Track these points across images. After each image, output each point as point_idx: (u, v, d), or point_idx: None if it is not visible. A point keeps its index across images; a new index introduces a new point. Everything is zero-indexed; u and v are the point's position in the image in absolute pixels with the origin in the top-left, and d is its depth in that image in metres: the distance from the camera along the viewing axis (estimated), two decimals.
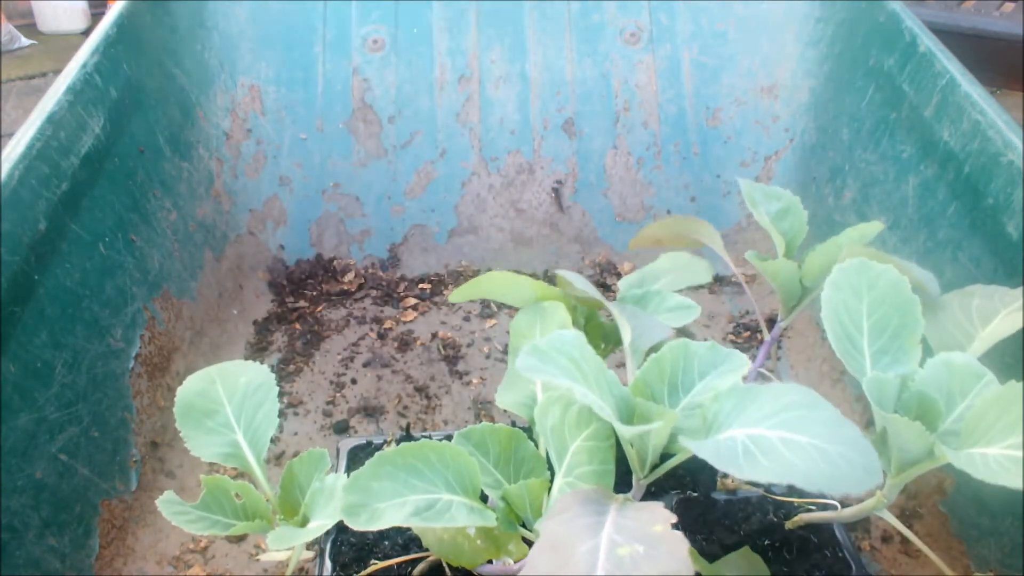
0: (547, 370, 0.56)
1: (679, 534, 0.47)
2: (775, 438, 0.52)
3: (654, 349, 0.63)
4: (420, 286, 1.37)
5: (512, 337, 0.76)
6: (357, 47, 1.43)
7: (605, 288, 1.36)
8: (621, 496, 0.55)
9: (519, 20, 1.44)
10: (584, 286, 0.76)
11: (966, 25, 2.70)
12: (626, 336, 0.69)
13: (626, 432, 0.55)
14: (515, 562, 0.62)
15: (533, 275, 0.79)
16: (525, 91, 1.42)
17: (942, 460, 0.58)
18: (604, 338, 0.82)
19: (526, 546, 0.61)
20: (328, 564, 0.76)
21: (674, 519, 0.49)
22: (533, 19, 1.44)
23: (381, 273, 1.39)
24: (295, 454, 0.80)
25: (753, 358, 0.87)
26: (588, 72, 1.42)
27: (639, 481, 0.62)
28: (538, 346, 0.57)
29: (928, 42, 1.10)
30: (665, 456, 0.60)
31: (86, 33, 3.11)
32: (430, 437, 0.73)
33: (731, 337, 1.25)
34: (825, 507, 0.80)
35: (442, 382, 1.17)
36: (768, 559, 0.68)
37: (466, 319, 1.30)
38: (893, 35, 1.16)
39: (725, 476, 0.84)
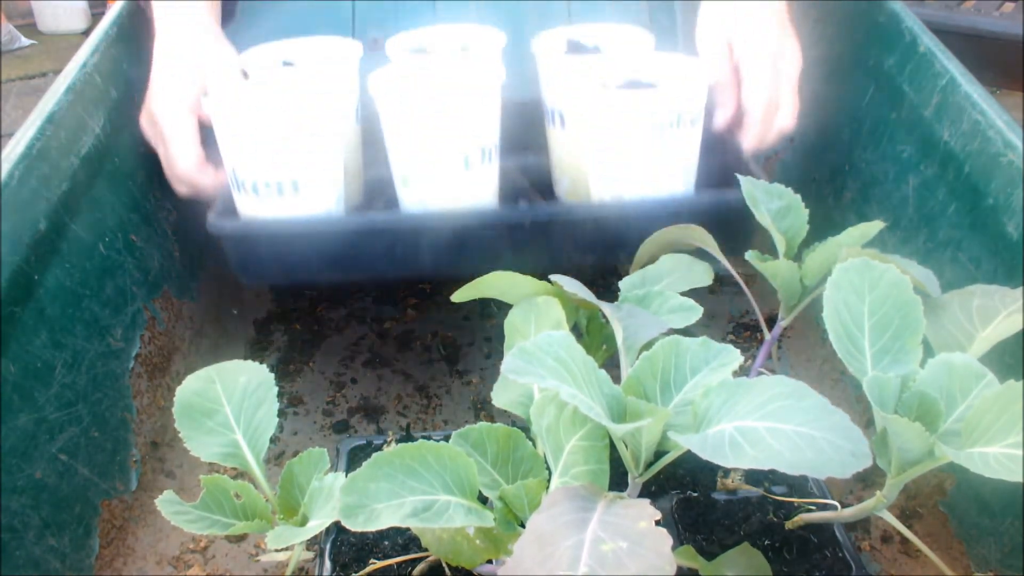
0: (534, 371, 0.56)
1: (663, 531, 0.47)
2: (762, 428, 0.52)
3: (647, 347, 0.63)
4: (420, 286, 1.37)
5: (507, 334, 0.76)
6: None
7: (605, 288, 1.36)
8: (611, 493, 0.55)
9: (519, 20, 1.44)
10: (576, 288, 0.76)
11: (966, 25, 2.70)
12: (618, 335, 0.69)
13: (617, 431, 0.56)
14: None
15: (533, 274, 0.79)
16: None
17: (942, 460, 0.58)
18: (605, 339, 0.82)
19: None
20: (328, 564, 0.76)
21: (659, 516, 0.49)
22: (533, 19, 1.44)
23: None
24: (295, 454, 0.80)
25: (753, 358, 0.87)
26: None
27: (635, 479, 0.62)
28: (524, 347, 0.57)
29: (928, 42, 1.09)
30: (660, 454, 0.60)
31: (86, 33, 3.11)
32: (430, 437, 0.73)
33: (731, 337, 1.25)
34: (825, 507, 0.80)
35: (442, 382, 1.17)
36: (768, 559, 0.68)
37: (466, 319, 1.30)
38: (893, 35, 1.16)
39: (725, 476, 0.84)
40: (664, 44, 1.43)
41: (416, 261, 0.99)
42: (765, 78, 1.02)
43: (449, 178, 0.95)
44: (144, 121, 1.08)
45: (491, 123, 0.97)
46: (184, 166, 1.03)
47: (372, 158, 1.15)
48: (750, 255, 0.84)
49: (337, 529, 0.78)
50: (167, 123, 1.03)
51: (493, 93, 0.95)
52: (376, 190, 1.17)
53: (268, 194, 0.94)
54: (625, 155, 0.96)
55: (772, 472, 0.56)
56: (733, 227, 0.85)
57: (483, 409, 1.11)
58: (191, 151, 1.02)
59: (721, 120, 1.04)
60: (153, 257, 1.09)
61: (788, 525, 0.77)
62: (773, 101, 1.03)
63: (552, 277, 0.77)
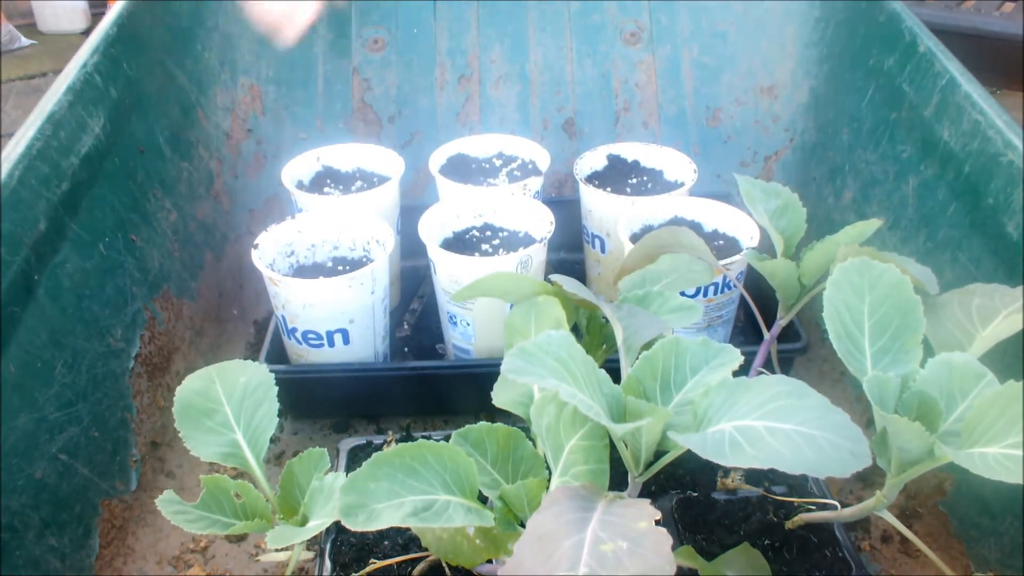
0: (534, 371, 0.56)
1: (663, 531, 0.47)
2: (761, 428, 0.52)
3: (647, 347, 0.63)
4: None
5: (507, 334, 0.76)
6: (357, 47, 1.43)
7: None
8: (611, 493, 0.55)
9: (519, 20, 1.44)
10: (576, 288, 0.76)
11: (966, 25, 2.70)
12: (619, 335, 0.69)
13: (617, 430, 0.55)
14: None
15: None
16: (525, 91, 1.42)
17: (942, 460, 0.58)
18: (605, 339, 0.82)
19: None
20: (328, 564, 0.76)
21: (659, 515, 0.49)
22: (533, 19, 1.44)
23: None
24: (295, 454, 0.80)
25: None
26: (588, 72, 1.42)
27: (635, 479, 0.62)
28: (524, 347, 0.57)
29: (928, 42, 1.09)
30: (660, 453, 0.60)
31: (86, 33, 3.11)
32: (430, 437, 0.73)
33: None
34: (825, 507, 0.80)
35: None
36: (768, 559, 0.68)
37: None
38: (893, 35, 1.16)
39: (725, 476, 0.84)
40: (665, 44, 1.43)
41: (462, 401, 1.04)
42: None
43: (495, 324, 0.98)
44: None
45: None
46: None
47: (407, 249, 1.19)
48: (748, 254, 0.83)
49: (337, 529, 0.78)
50: None
51: (544, 246, 0.98)
52: (411, 280, 1.24)
53: (318, 344, 0.97)
54: None
55: (772, 472, 0.56)
56: None
57: (483, 409, 1.11)
58: None
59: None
60: (153, 257, 1.09)
61: (788, 525, 0.77)
62: None
63: (552, 277, 0.77)
